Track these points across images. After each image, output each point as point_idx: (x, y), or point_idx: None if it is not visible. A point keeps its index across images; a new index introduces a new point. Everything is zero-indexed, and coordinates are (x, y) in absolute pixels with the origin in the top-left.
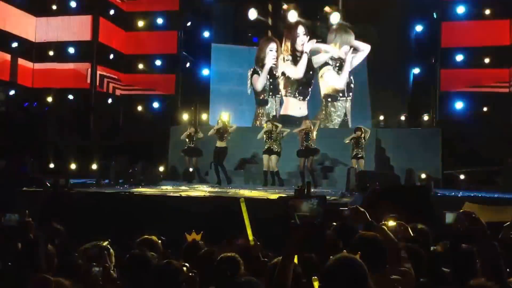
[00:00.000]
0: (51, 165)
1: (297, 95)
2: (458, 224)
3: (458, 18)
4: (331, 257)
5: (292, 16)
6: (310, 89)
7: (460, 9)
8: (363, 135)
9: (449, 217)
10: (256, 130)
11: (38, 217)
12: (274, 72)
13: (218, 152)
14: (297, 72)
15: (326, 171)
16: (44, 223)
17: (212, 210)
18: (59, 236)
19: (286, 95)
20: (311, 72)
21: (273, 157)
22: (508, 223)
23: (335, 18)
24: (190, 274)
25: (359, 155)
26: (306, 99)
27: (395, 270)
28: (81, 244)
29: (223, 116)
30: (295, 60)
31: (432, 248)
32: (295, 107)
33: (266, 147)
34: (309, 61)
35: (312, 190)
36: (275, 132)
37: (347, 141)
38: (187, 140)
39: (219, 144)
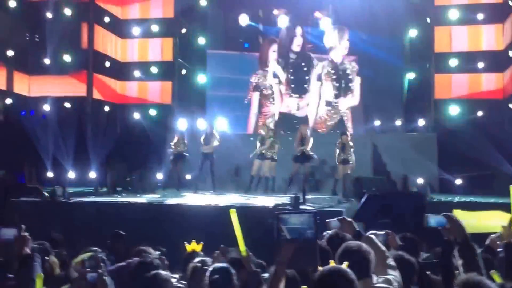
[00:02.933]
0: (49, 174)
1: (292, 94)
2: (439, 227)
3: (451, 23)
4: (320, 268)
5: (283, 21)
6: (306, 86)
7: (453, 14)
8: (349, 140)
9: (431, 221)
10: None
11: (36, 227)
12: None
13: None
14: (294, 72)
15: (321, 177)
16: (43, 234)
17: (209, 219)
18: (57, 246)
19: (283, 94)
20: (305, 69)
21: (267, 162)
22: (497, 234)
23: (326, 23)
24: (179, 286)
25: (347, 161)
26: (303, 96)
27: (381, 278)
28: (78, 253)
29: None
30: (290, 61)
31: (425, 255)
32: (293, 106)
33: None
34: (308, 60)
35: (309, 197)
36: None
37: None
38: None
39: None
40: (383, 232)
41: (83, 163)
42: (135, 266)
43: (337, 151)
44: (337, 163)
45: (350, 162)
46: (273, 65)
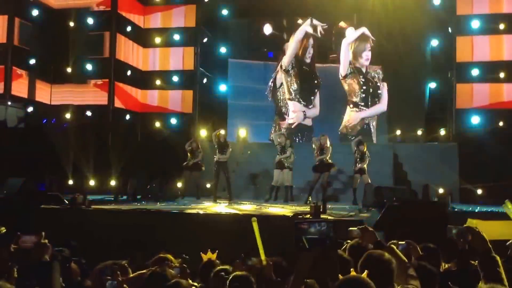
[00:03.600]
0: (70, 182)
1: (301, 101)
2: (461, 239)
3: (473, 33)
4: (340, 277)
5: (308, 30)
6: (313, 97)
7: (475, 24)
8: (365, 149)
9: (453, 232)
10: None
11: (56, 235)
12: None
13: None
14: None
15: (339, 186)
16: (63, 241)
17: (228, 227)
18: (76, 254)
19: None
20: (315, 81)
21: (285, 171)
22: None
23: (350, 33)
24: None
25: (365, 170)
26: (310, 106)
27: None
28: (98, 261)
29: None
30: (301, 70)
31: (446, 265)
32: (300, 115)
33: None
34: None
35: (329, 206)
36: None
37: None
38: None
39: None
40: (403, 242)
41: (104, 171)
42: (147, 278)
43: (357, 159)
44: (354, 172)
45: (365, 171)
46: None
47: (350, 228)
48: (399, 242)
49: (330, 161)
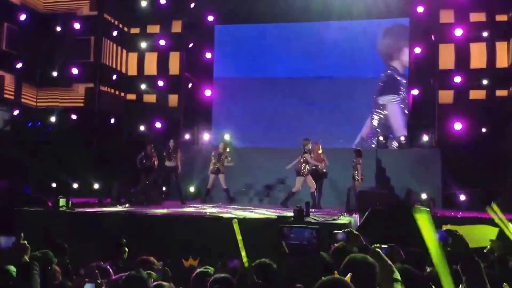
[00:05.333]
0: (53, 185)
1: None
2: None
3: (455, 41)
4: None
5: None
6: None
7: (458, 32)
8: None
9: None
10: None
11: (39, 237)
12: None
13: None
14: None
15: (326, 191)
16: (46, 243)
17: (209, 230)
18: (61, 254)
19: None
20: None
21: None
22: (487, 248)
23: None
24: None
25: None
26: None
27: None
28: (81, 263)
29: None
30: None
31: (429, 269)
32: None
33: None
34: None
35: (312, 210)
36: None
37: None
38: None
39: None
40: (386, 246)
41: (88, 174)
42: (124, 280)
43: (357, 171)
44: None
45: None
46: None
47: (335, 231)
48: (382, 246)
49: (324, 170)
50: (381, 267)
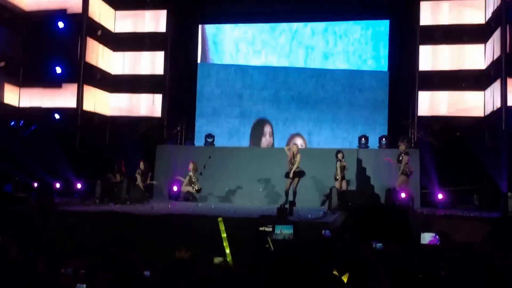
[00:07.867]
0: (36, 184)
1: None
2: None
3: (435, 43)
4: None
5: None
6: None
7: (438, 34)
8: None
9: (425, 238)
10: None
11: (23, 236)
12: None
13: None
14: None
15: (308, 190)
16: (30, 242)
17: (195, 227)
18: (45, 253)
19: None
20: None
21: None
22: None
23: None
24: None
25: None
26: None
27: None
28: (65, 262)
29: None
30: None
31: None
32: None
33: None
34: None
35: (294, 208)
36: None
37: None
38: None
39: None
40: (368, 243)
41: (71, 174)
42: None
43: (340, 170)
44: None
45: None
46: None
47: (323, 230)
48: (364, 243)
49: (299, 169)
50: (366, 263)
